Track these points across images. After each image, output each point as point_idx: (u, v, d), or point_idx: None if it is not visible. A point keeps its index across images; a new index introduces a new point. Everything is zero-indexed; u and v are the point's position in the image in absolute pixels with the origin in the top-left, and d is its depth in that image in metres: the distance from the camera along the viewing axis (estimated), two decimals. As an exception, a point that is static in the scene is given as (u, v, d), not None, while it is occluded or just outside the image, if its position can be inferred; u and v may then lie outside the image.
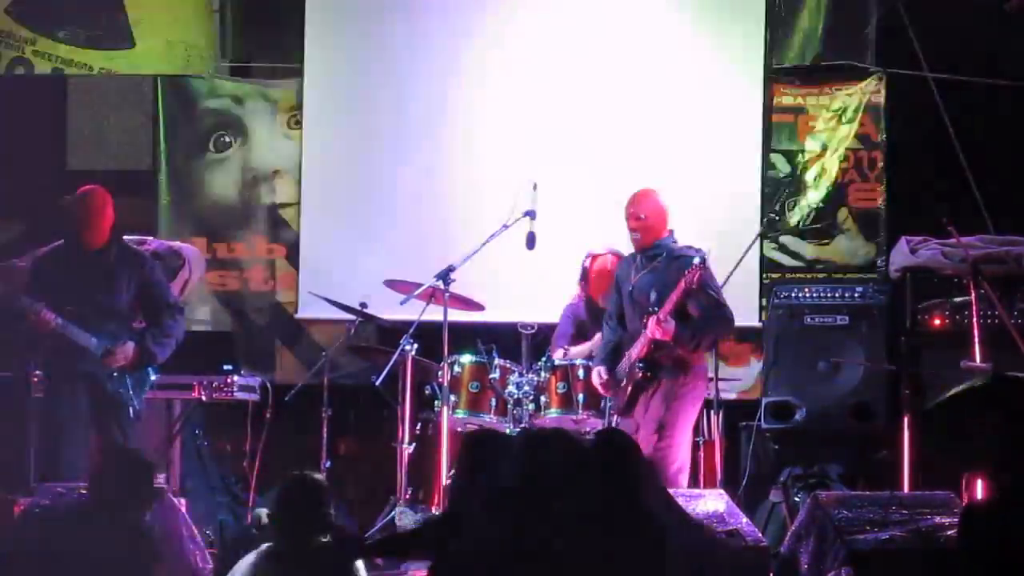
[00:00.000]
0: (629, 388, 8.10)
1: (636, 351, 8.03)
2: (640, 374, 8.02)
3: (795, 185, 10.26)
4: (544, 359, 8.74)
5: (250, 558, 6.15)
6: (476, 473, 6.01)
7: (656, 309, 7.95)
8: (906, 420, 8.82)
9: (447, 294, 8.50)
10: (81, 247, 8.15)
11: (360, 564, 6.16)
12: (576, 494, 5.56)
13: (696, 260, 7.87)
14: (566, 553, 5.45)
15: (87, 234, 8.14)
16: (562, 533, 5.48)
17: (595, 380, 8.25)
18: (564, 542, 5.47)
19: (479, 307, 8.93)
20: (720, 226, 9.84)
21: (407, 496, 8.62)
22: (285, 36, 10.49)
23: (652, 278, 8.11)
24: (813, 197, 10.24)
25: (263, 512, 8.25)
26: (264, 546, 6.16)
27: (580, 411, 8.57)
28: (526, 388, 8.69)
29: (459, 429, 8.61)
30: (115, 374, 8.07)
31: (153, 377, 8.29)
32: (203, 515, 8.76)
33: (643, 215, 8.18)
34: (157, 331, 8.20)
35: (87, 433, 8.07)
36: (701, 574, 6.00)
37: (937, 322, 9.13)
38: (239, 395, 9.02)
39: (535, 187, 8.45)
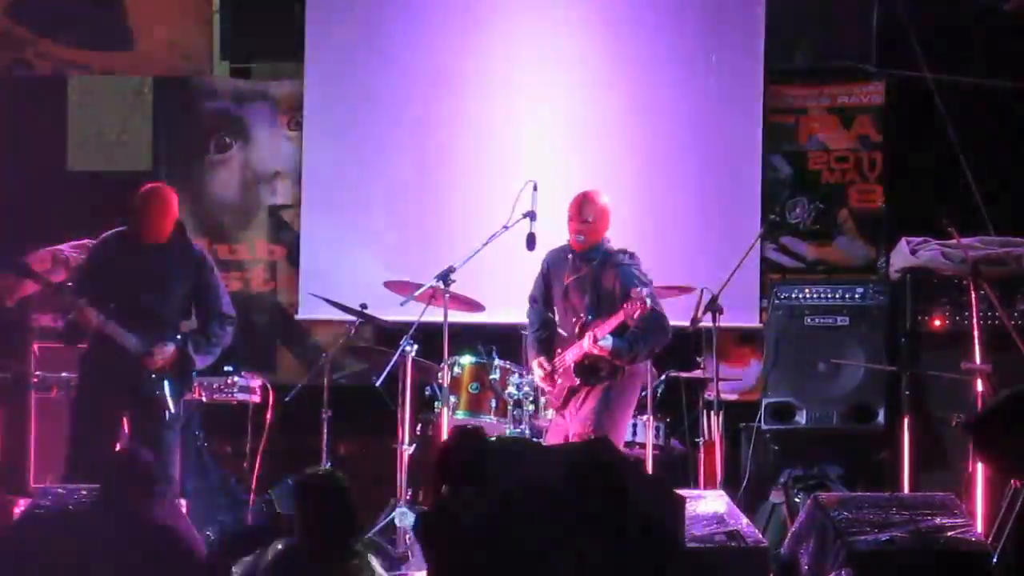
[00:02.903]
0: (566, 387, 8.14)
1: (571, 356, 8.10)
2: (577, 380, 8.08)
3: (795, 185, 10.26)
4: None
5: (269, 555, 6.11)
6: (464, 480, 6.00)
7: (590, 317, 8.02)
8: (906, 420, 8.83)
9: (447, 295, 8.50)
10: (140, 242, 8.08)
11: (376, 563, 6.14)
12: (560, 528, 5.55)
13: (642, 291, 7.83)
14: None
15: (147, 232, 8.06)
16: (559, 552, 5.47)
17: (537, 371, 8.27)
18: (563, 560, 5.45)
19: (479, 307, 8.93)
20: (720, 227, 9.85)
21: (407, 497, 8.62)
22: (285, 36, 10.49)
23: (585, 281, 8.15)
24: (813, 198, 10.24)
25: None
26: (284, 543, 6.11)
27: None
28: (526, 389, 8.69)
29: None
30: (153, 376, 8.01)
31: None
32: (203, 515, 8.76)
33: (590, 217, 8.20)
34: (202, 338, 8.12)
35: (118, 434, 8.02)
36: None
37: (937, 322, 9.14)
38: (239, 396, 9.03)
39: (535, 187, 8.45)
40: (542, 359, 8.27)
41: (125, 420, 7.99)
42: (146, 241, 8.06)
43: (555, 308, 8.39)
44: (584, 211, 8.21)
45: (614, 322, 7.95)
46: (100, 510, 6.43)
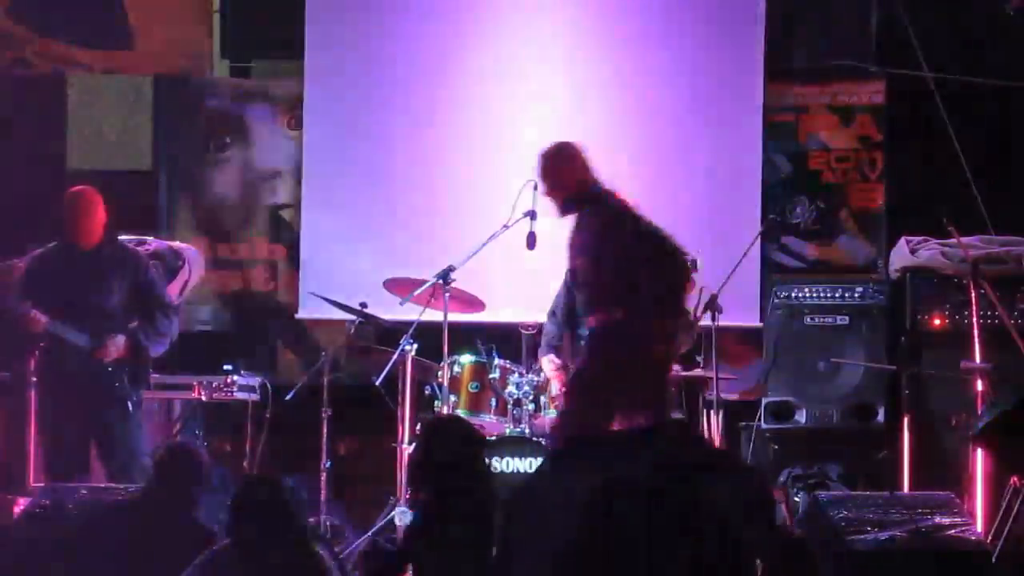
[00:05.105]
0: None
1: None
2: None
3: (795, 185, 10.26)
4: (544, 359, 8.76)
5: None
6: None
7: None
8: (906, 420, 8.83)
9: (447, 294, 8.50)
10: (73, 248, 8.17)
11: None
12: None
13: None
14: None
15: (78, 235, 8.16)
16: None
17: (548, 368, 8.27)
18: None
19: (480, 306, 8.93)
20: (720, 226, 9.85)
21: (407, 496, 8.61)
22: (285, 35, 10.49)
23: None
24: (814, 198, 10.24)
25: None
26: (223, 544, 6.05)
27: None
28: (526, 388, 8.69)
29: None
30: (110, 368, 8.07)
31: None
32: (202, 515, 8.73)
33: None
34: (149, 328, 8.22)
35: (86, 430, 8.09)
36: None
37: (937, 322, 9.14)
38: (239, 395, 9.03)
39: (535, 187, 8.45)
40: (552, 355, 8.30)
41: (89, 415, 8.05)
42: (79, 246, 8.16)
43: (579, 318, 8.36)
44: None
45: None
46: (149, 505, 6.41)
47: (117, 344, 8.10)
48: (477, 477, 6.20)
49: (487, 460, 6.20)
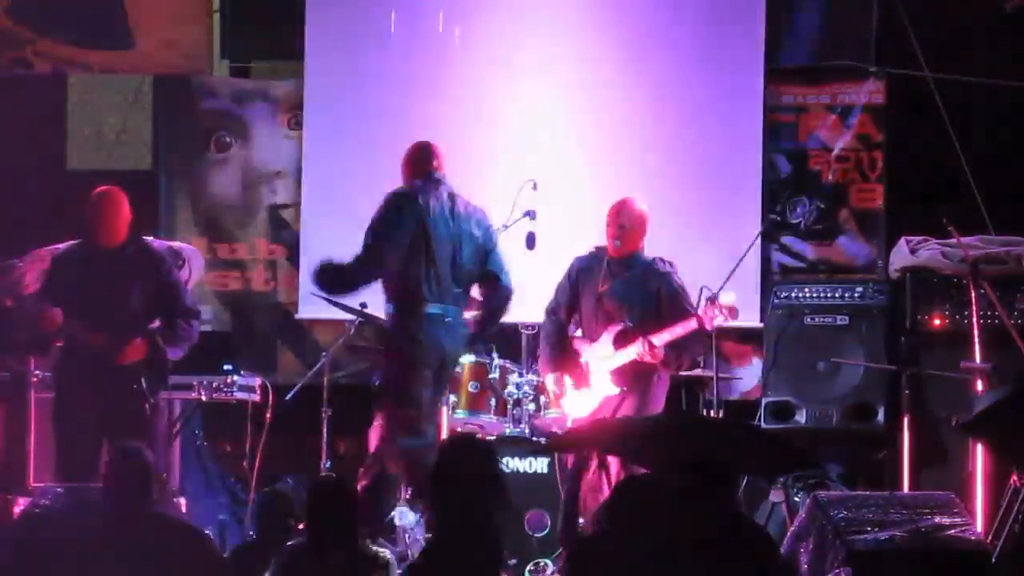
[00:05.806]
0: (600, 395, 8.13)
1: (608, 365, 8.07)
2: (618, 387, 8.07)
3: (795, 185, 10.26)
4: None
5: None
6: None
7: (630, 324, 8.00)
8: (906, 420, 8.83)
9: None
10: (97, 247, 8.15)
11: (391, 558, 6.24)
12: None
13: (723, 303, 8.09)
14: None
15: (102, 234, 8.13)
16: None
17: (552, 387, 8.27)
18: None
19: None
20: (720, 226, 9.85)
21: (407, 496, 8.61)
22: (285, 36, 10.49)
23: (624, 289, 8.14)
24: (814, 198, 10.24)
25: None
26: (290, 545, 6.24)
27: (579, 411, 8.57)
28: (526, 388, 8.70)
29: (459, 428, 8.62)
30: (128, 369, 8.04)
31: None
32: (203, 515, 8.76)
33: (627, 223, 8.20)
34: (169, 331, 8.18)
35: (99, 432, 8.06)
36: None
37: (937, 322, 9.13)
38: (239, 395, 9.03)
39: (535, 186, 8.45)
40: (557, 376, 8.25)
41: (105, 416, 8.03)
42: (103, 244, 8.13)
43: (581, 315, 8.34)
44: (621, 217, 8.21)
45: (678, 331, 8.00)
46: (104, 507, 6.46)
47: (135, 347, 8.06)
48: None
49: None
